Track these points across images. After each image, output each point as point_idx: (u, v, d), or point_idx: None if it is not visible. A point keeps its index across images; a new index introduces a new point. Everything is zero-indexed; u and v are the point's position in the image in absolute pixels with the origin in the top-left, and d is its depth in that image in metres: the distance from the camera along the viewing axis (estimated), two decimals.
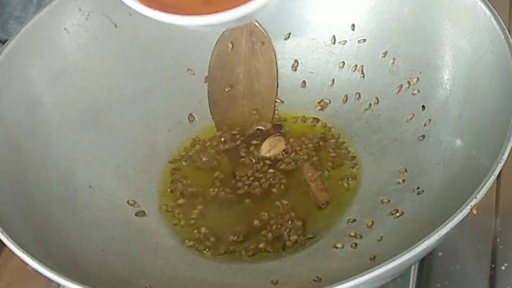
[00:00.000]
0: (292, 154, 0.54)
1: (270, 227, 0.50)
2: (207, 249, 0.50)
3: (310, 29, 0.59)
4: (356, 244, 0.48)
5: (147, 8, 0.35)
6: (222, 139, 0.56)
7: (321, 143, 0.55)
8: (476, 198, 0.38)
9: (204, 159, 0.56)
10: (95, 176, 0.53)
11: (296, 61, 0.59)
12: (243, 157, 0.55)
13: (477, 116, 0.47)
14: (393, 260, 0.36)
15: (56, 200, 0.49)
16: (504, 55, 0.45)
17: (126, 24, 0.57)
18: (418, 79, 0.54)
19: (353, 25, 0.57)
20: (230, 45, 0.58)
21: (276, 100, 0.59)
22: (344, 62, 0.58)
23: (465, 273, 0.49)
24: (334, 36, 0.58)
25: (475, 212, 0.38)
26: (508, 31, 0.46)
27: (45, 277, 0.39)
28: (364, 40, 0.57)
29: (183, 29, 0.35)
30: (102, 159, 0.54)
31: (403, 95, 0.55)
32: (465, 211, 0.38)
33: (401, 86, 0.55)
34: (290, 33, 0.59)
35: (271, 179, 0.53)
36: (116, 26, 0.57)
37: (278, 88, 0.59)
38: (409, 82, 0.54)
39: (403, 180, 0.51)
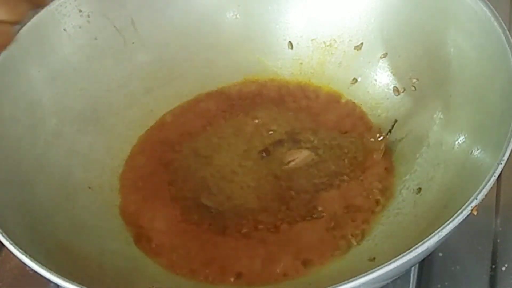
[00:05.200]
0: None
1: None
2: None
3: (310, 29, 0.59)
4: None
5: None
6: None
7: None
8: (476, 199, 0.38)
9: None
10: (94, 177, 0.53)
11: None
12: None
13: (477, 117, 0.47)
14: (394, 261, 0.36)
15: (55, 200, 0.49)
16: (504, 56, 0.45)
17: (126, 25, 0.57)
18: (418, 79, 0.54)
19: (353, 26, 0.57)
20: None
21: None
22: (344, 63, 0.58)
23: (466, 274, 0.49)
24: (333, 37, 0.58)
25: (475, 213, 0.38)
26: (508, 31, 0.46)
27: (44, 277, 0.39)
28: (364, 40, 0.57)
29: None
30: (102, 159, 0.54)
31: (403, 95, 0.55)
32: (465, 212, 0.38)
33: (401, 86, 0.55)
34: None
35: None
36: (115, 27, 0.57)
37: None
38: (409, 83, 0.54)
39: (404, 181, 0.51)
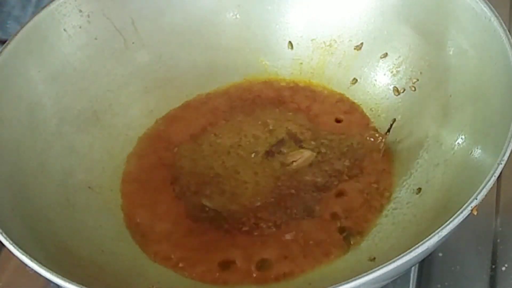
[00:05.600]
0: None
1: None
2: None
3: (310, 30, 0.59)
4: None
5: None
6: None
7: None
8: (476, 199, 0.38)
9: None
10: (94, 177, 0.53)
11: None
12: None
13: (477, 117, 0.47)
14: (394, 261, 0.36)
15: (55, 201, 0.49)
16: (504, 56, 0.45)
17: (126, 25, 0.57)
18: (418, 80, 0.54)
19: (353, 26, 0.57)
20: None
21: None
22: (344, 63, 0.58)
23: (466, 274, 0.49)
24: (333, 37, 0.58)
25: (475, 213, 0.38)
26: (508, 31, 0.46)
27: (44, 277, 0.39)
28: (364, 40, 0.57)
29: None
30: (102, 159, 0.54)
31: (403, 95, 0.55)
32: (465, 212, 0.38)
33: (401, 87, 0.55)
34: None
35: None
36: (115, 27, 0.57)
37: None
38: (409, 83, 0.54)
39: (404, 181, 0.51)
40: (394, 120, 0.54)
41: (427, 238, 0.37)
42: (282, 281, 0.47)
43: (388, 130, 0.53)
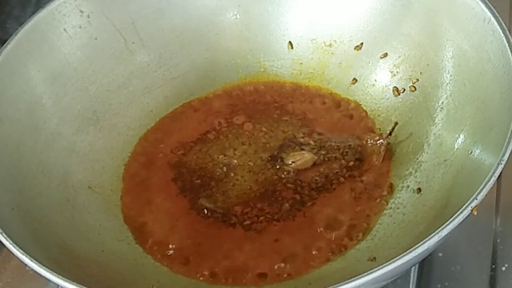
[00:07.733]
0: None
1: None
2: None
3: (310, 30, 0.59)
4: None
5: None
6: None
7: None
8: (476, 199, 0.38)
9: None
10: (94, 177, 0.53)
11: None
12: None
13: (477, 117, 0.47)
14: (394, 261, 0.36)
15: (55, 201, 0.49)
16: (504, 56, 0.45)
17: (126, 25, 0.57)
18: (418, 80, 0.54)
19: (353, 26, 0.57)
20: None
21: None
22: (344, 63, 0.58)
23: (466, 274, 0.49)
24: (333, 37, 0.58)
25: (475, 213, 0.38)
26: (508, 31, 0.46)
27: (44, 277, 0.39)
28: (364, 40, 0.57)
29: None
30: (102, 159, 0.54)
31: (403, 95, 0.55)
32: (465, 212, 0.38)
33: (401, 87, 0.55)
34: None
35: None
36: (115, 27, 0.57)
37: None
38: (409, 83, 0.54)
39: (404, 181, 0.51)
40: (396, 123, 0.54)
41: (427, 238, 0.37)
42: (282, 281, 0.47)
43: (390, 134, 0.53)
